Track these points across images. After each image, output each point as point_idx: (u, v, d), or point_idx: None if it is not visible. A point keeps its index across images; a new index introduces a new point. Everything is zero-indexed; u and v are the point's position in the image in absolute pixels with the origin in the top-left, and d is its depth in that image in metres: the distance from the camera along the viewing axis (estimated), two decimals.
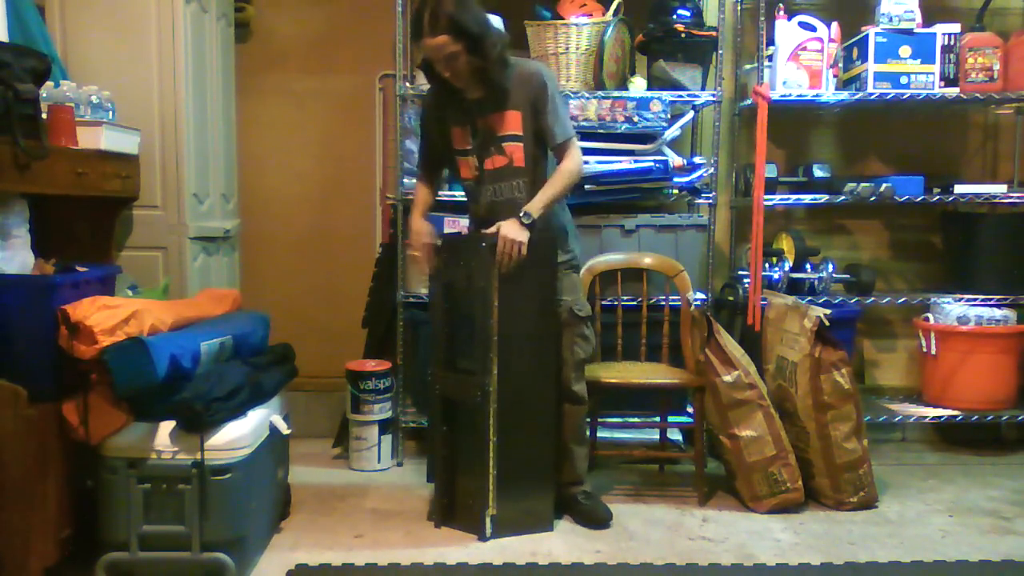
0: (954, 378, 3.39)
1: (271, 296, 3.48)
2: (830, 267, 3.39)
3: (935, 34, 3.27)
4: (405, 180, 3.26)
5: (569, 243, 2.81)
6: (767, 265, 3.39)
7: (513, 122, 2.65)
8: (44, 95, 2.32)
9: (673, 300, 3.14)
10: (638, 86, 3.31)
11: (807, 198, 3.36)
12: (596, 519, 2.72)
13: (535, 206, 2.58)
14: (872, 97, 3.26)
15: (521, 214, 2.56)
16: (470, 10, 2.52)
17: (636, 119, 3.18)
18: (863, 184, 3.31)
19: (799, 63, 3.27)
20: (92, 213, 2.67)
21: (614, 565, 2.45)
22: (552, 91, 2.64)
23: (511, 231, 2.54)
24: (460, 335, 2.68)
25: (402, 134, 3.26)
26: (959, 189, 3.39)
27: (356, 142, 3.68)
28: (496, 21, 2.83)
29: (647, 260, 3.17)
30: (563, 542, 2.60)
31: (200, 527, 2.20)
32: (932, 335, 3.41)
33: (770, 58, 3.30)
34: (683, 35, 3.24)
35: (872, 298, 3.44)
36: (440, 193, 3.26)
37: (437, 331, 2.71)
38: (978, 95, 3.29)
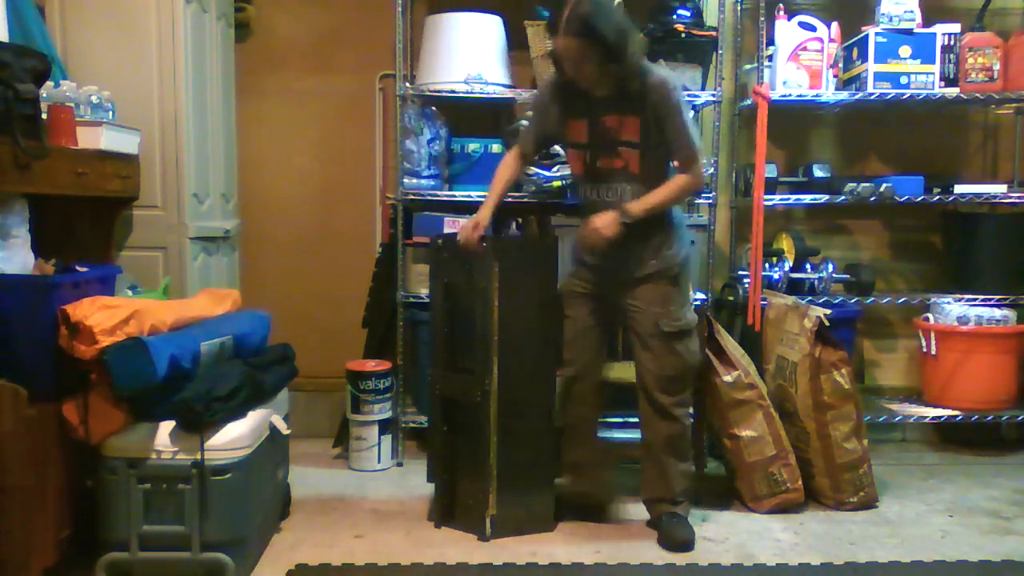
0: (954, 378, 3.39)
1: (271, 296, 3.48)
2: (830, 267, 3.39)
3: (935, 34, 3.27)
4: (405, 180, 3.26)
5: (672, 251, 2.63)
6: (767, 265, 3.39)
7: (631, 129, 2.54)
8: (44, 95, 2.32)
9: None
10: None
11: (807, 198, 3.36)
12: (673, 541, 2.57)
13: (636, 207, 2.53)
14: (872, 97, 3.26)
15: (622, 211, 2.52)
16: (609, 16, 2.42)
17: None
18: (863, 184, 3.31)
19: (799, 63, 3.27)
20: (92, 213, 2.67)
21: (614, 565, 2.45)
22: (676, 103, 2.50)
23: (601, 220, 2.52)
24: (460, 335, 2.68)
25: (402, 134, 3.26)
26: (959, 189, 3.39)
27: (356, 142, 3.68)
28: (626, 18, 2.56)
29: None
30: (563, 542, 2.60)
31: (200, 527, 2.20)
32: (932, 335, 3.41)
33: (770, 58, 3.30)
34: (683, 35, 3.24)
35: (872, 298, 3.44)
36: (439, 193, 3.28)
37: (437, 331, 2.71)
38: (978, 95, 3.29)
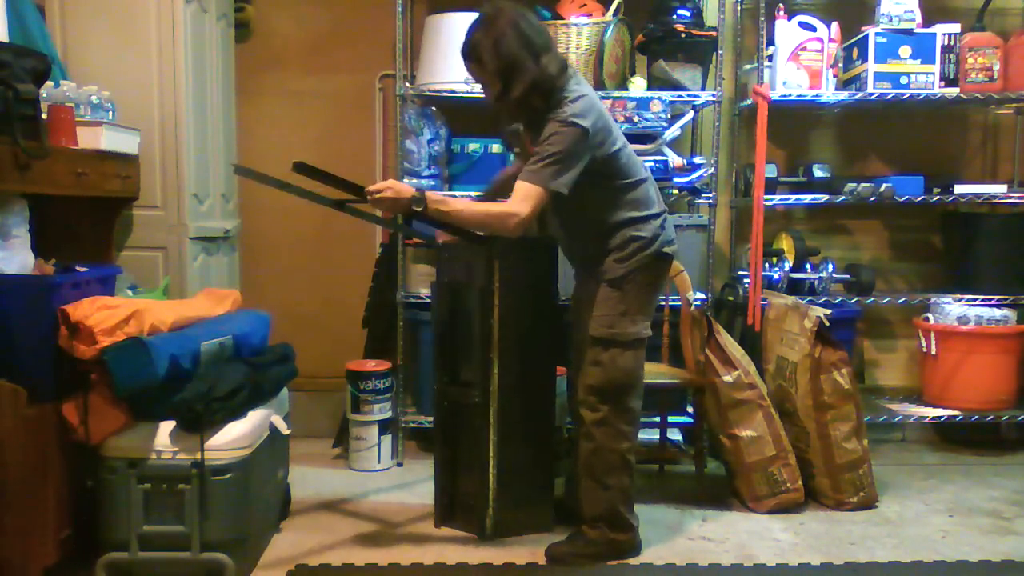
0: (954, 378, 3.39)
1: (271, 296, 3.48)
2: (830, 267, 3.39)
3: (935, 34, 3.27)
4: (405, 180, 3.26)
5: (619, 256, 2.39)
6: (767, 265, 3.39)
7: None
8: (44, 95, 2.32)
9: (673, 300, 3.13)
10: (638, 86, 3.31)
11: (807, 198, 3.36)
12: (550, 549, 2.49)
13: (433, 199, 2.29)
14: (872, 97, 3.26)
15: (414, 196, 2.26)
16: (506, 43, 2.22)
17: (636, 119, 3.18)
18: (863, 184, 3.31)
19: (799, 63, 3.27)
20: (92, 213, 2.67)
21: (614, 565, 2.45)
22: (555, 133, 2.23)
23: (394, 189, 2.31)
24: (461, 335, 2.67)
25: (402, 134, 3.26)
26: (959, 189, 3.39)
27: (356, 142, 3.67)
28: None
29: None
30: None
31: (200, 527, 2.20)
32: (932, 335, 3.41)
33: (770, 58, 3.30)
34: (683, 35, 3.24)
35: (872, 298, 3.44)
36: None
37: (438, 332, 2.71)
38: (978, 95, 3.29)
